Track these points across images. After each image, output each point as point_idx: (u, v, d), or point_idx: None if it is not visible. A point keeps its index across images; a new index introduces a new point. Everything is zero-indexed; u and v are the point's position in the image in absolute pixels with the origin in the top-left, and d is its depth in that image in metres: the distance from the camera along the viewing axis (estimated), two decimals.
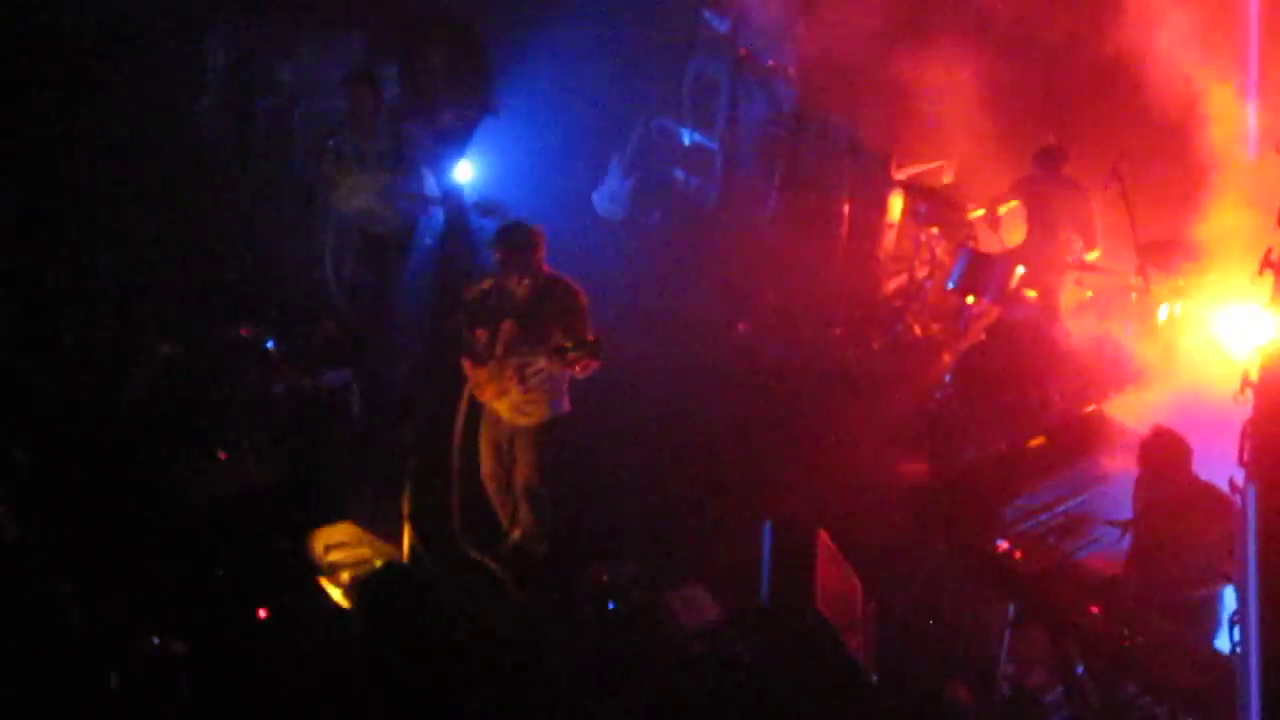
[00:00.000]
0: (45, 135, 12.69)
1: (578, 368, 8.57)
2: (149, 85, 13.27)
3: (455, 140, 13.06)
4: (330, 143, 10.96)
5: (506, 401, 8.98)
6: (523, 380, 8.84)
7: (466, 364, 8.93)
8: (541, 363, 8.67)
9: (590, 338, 8.47)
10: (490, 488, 9.45)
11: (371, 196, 10.92)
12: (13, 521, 7.36)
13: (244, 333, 10.98)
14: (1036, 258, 11.59)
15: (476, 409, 9.19)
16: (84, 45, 13.26)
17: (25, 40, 12.73)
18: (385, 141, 10.87)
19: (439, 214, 12.25)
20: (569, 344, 8.42)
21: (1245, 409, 5.82)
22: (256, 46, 14.08)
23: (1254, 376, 5.84)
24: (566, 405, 9.07)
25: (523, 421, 9.05)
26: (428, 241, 12.08)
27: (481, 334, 8.84)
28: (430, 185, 11.33)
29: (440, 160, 12.57)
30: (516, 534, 9.45)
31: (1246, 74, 10.98)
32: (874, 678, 7.94)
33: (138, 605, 7.36)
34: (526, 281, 8.75)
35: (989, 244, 12.05)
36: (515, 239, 8.75)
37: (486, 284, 8.89)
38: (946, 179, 13.33)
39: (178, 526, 9.00)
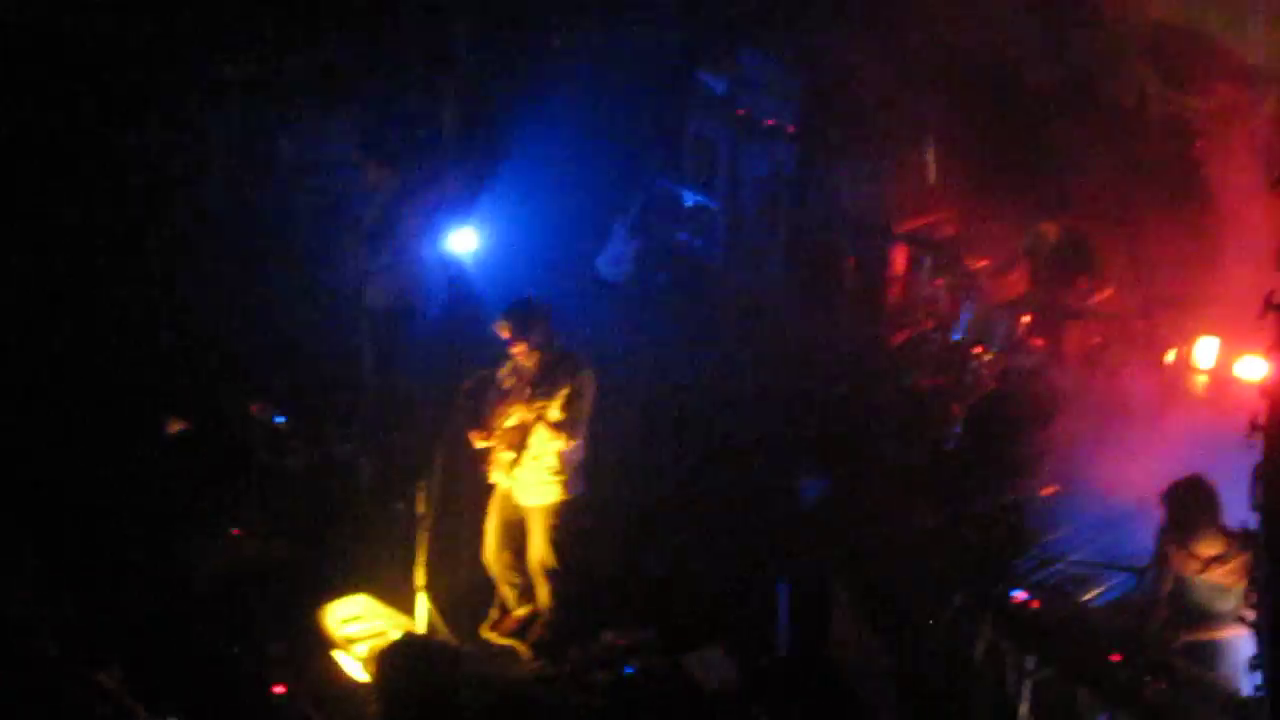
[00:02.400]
0: (47, 216, 12.74)
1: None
2: (151, 166, 13.33)
3: (460, 205, 13.11)
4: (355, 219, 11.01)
5: (516, 480, 8.96)
6: (525, 458, 8.82)
7: (475, 441, 8.87)
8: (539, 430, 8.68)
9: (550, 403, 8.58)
10: (494, 569, 9.37)
11: (370, 269, 10.93)
12: (23, 601, 7.38)
13: (254, 409, 11.02)
14: (1041, 305, 11.59)
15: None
16: (85, 126, 13.33)
17: (26, 122, 12.80)
18: (379, 212, 10.88)
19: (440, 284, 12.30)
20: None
21: (1255, 451, 5.81)
22: (257, 125, 14.17)
23: (1262, 419, 5.82)
24: (581, 486, 9.05)
25: (533, 502, 9.03)
26: (433, 311, 12.08)
27: (495, 412, 8.83)
28: (419, 256, 11.29)
29: (440, 227, 12.63)
30: (524, 612, 9.42)
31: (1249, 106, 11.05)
32: None
33: (154, 684, 7.34)
34: (536, 356, 8.72)
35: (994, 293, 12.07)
36: (518, 314, 8.71)
37: (507, 363, 8.85)
38: (949, 230, 13.35)
39: (191, 604, 9.01)
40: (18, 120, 12.73)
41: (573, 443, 8.81)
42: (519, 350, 8.69)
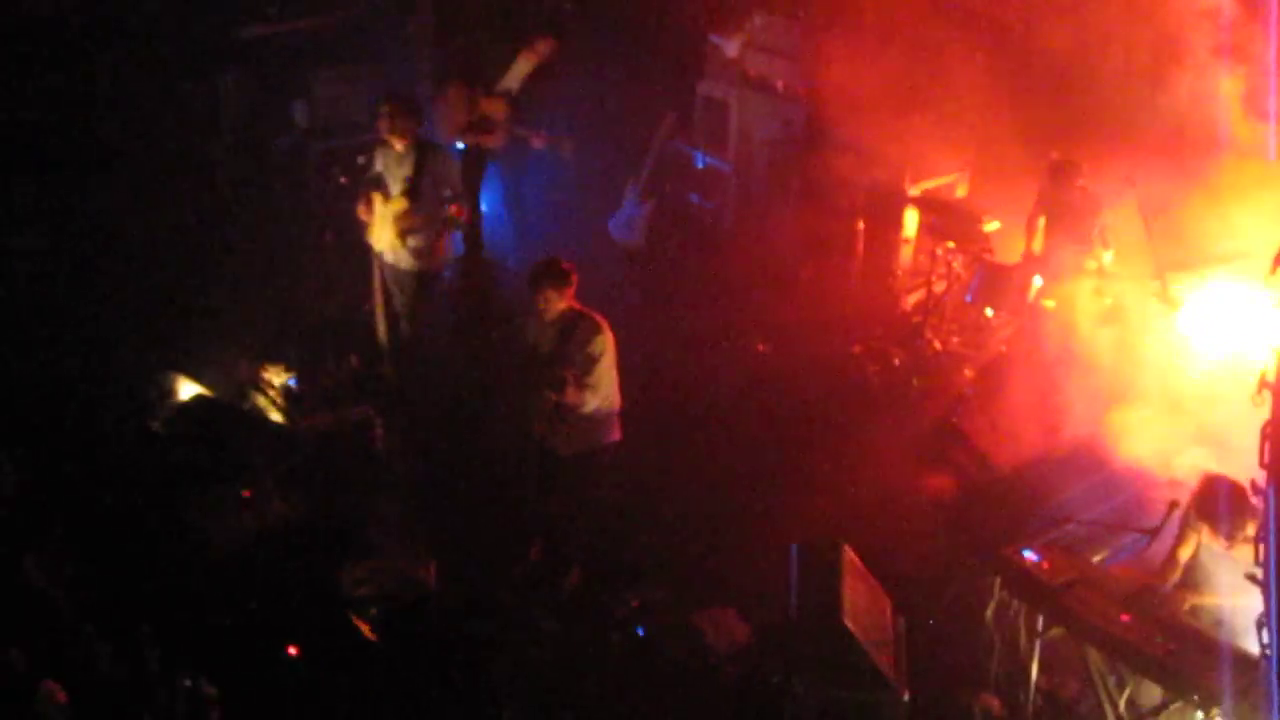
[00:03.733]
0: (63, 179, 12.77)
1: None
2: (165, 128, 13.34)
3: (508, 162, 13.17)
4: (365, 167, 11.00)
5: (555, 432, 9.21)
6: (559, 412, 9.05)
7: (519, 394, 9.27)
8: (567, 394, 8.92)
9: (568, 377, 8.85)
10: (536, 517, 9.70)
11: (393, 227, 10.93)
12: (40, 566, 7.42)
13: (265, 370, 11.05)
14: (1053, 268, 11.58)
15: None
16: (99, 90, 13.35)
17: (42, 84, 12.82)
18: (409, 169, 10.88)
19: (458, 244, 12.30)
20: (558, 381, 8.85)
21: (1263, 411, 5.82)
22: (271, 86, 14.15)
23: (1271, 378, 5.83)
24: (616, 434, 9.32)
25: (568, 450, 9.26)
26: (445, 274, 12.09)
27: (525, 368, 9.14)
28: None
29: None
30: (555, 562, 9.63)
31: (1266, 75, 10.98)
32: (905, 694, 7.92)
33: (167, 647, 7.38)
34: (555, 318, 8.99)
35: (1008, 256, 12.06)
36: (545, 276, 8.96)
37: (530, 319, 9.17)
38: (961, 192, 13.34)
39: (205, 567, 9.05)
40: (30, 85, 12.76)
41: (597, 401, 9.05)
42: (542, 306, 8.95)
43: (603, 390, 9.05)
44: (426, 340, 11.49)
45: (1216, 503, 7.75)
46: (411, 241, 10.93)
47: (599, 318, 9.07)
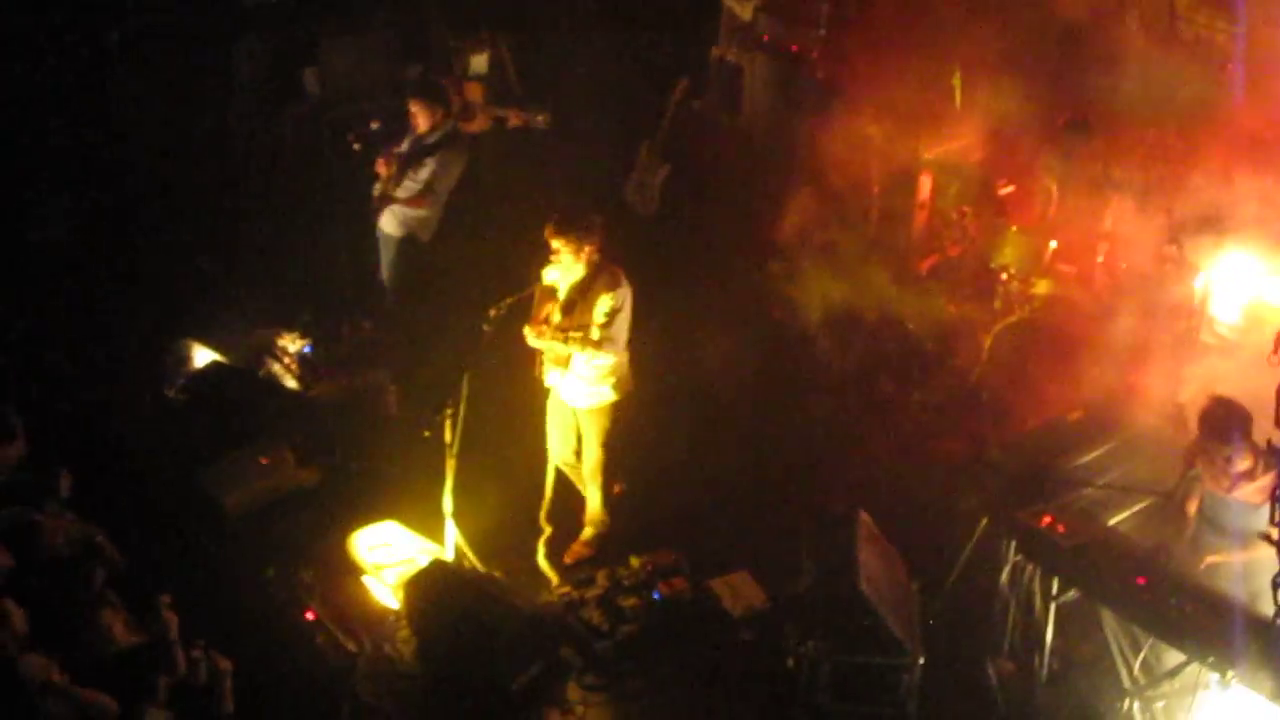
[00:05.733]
0: (79, 149, 12.79)
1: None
2: (177, 97, 13.34)
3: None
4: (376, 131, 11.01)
5: (569, 385, 9.15)
6: (572, 364, 9.00)
7: (530, 338, 9.03)
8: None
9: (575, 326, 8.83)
10: (566, 471, 9.69)
11: (406, 195, 10.95)
12: (60, 534, 7.44)
13: (280, 338, 11.08)
14: (1069, 231, 11.52)
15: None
16: (112, 59, 13.34)
17: (54, 53, 12.82)
18: (434, 144, 10.92)
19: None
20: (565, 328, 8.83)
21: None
22: (283, 55, 14.13)
23: None
24: (628, 385, 9.26)
25: (585, 404, 9.23)
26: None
27: (545, 309, 9.00)
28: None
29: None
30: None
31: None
32: (920, 658, 7.95)
33: (182, 615, 7.40)
34: (580, 268, 8.87)
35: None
36: (570, 226, 8.79)
37: (550, 272, 9.02)
38: (975, 156, 13.25)
39: (221, 533, 9.09)
40: (43, 58, 12.77)
41: (614, 357, 8.99)
42: (570, 251, 8.77)
43: (621, 342, 8.98)
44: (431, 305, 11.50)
45: (1208, 415, 7.80)
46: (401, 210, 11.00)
47: (619, 270, 8.98)
